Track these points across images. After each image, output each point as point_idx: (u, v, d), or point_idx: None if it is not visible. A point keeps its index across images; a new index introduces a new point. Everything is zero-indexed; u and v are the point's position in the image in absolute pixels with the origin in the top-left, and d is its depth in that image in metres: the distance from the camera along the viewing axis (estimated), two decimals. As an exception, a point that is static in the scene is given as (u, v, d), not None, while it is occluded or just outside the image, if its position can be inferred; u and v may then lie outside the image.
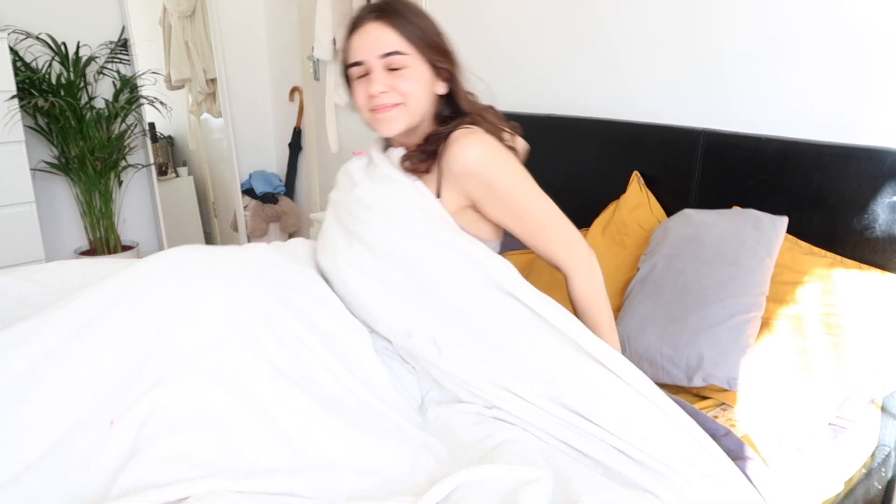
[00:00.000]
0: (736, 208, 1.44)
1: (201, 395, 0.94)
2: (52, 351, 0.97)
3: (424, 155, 1.20)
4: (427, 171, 1.21)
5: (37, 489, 0.84)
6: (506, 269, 1.13)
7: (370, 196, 1.21)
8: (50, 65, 2.88)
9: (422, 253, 1.14)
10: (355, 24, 1.19)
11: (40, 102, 2.70)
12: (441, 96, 1.23)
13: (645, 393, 0.99)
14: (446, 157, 1.16)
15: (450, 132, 1.18)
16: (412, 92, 1.17)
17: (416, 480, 0.92)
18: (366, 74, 1.17)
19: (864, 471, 1.25)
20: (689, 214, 1.47)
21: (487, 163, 1.14)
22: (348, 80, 1.23)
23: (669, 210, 1.67)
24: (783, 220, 1.32)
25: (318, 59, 3.14)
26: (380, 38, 1.15)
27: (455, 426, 1.05)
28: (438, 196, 1.19)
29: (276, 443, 0.92)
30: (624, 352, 1.32)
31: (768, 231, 1.31)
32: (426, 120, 1.22)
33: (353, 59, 1.18)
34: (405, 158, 1.22)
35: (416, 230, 1.16)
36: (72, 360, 0.97)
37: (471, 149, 1.14)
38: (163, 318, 1.01)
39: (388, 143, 1.31)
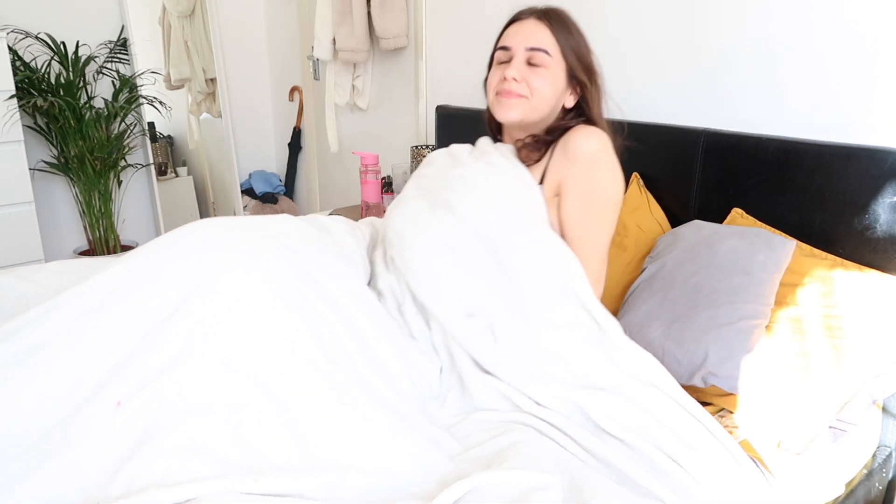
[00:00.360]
0: (746, 226, 1.44)
1: (215, 380, 0.91)
2: (65, 329, 0.95)
3: (541, 144, 1.25)
4: (538, 160, 1.25)
5: (34, 468, 0.82)
6: (587, 284, 1.15)
7: (474, 174, 1.25)
8: (49, 64, 2.88)
9: (512, 238, 1.16)
10: (517, 17, 1.29)
11: (39, 102, 2.70)
12: (567, 109, 1.29)
13: (705, 423, 1.03)
14: (565, 139, 1.22)
15: (572, 125, 1.25)
16: (540, 90, 1.23)
17: (427, 481, 0.90)
18: (508, 61, 1.25)
19: (864, 471, 1.24)
20: (700, 224, 1.47)
21: (599, 160, 1.20)
22: (492, 62, 1.32)
23: (670, 211, 1.67)
24: (792, 243, 1.33)
25: (317, 59, 3.14)
26: (531, 33, 1.24)
27: (469, 427, 1.05)
28: (541, 183, 1.24)
29: (286, 434, 0.89)
30: None
31: (779, 249, 1.32)
32: (543, 125, 1.28)
33: (502, 44, 1.27)
34: (521, 146, 1.27)
35: (514, 215, 1.19)
36: (83, 337, 0.95)
37: (593, 139, 1.20)
38: (180, 295, 0.98)
39: (497, 140, 1.37)
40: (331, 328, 1.04)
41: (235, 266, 1.04)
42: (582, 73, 1.26)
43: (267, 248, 1.10)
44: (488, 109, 1.33)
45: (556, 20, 1.24)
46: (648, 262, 1.49)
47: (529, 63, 1.23)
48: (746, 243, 1.34)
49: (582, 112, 1.29)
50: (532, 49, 1.22)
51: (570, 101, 1.28)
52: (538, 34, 1.23)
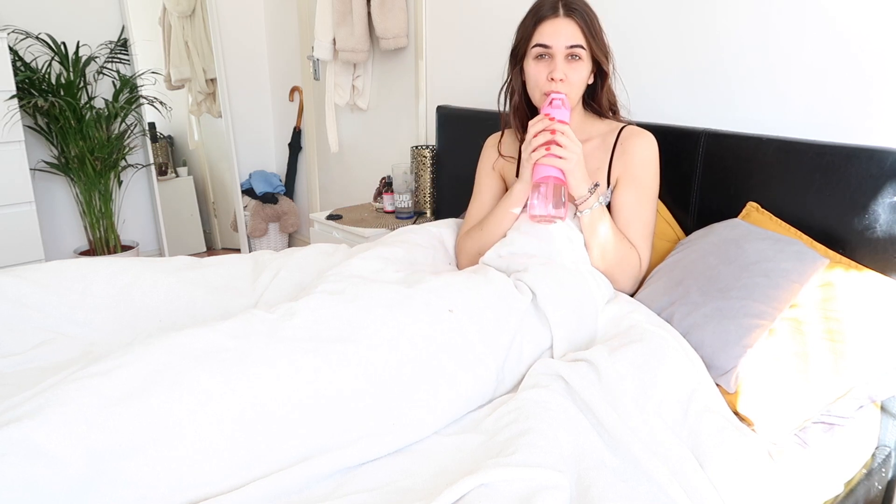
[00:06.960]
0: (786, 235, 1.42)
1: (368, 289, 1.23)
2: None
3: (605, 147, 1.51)
4: (598, 166, 1.50)
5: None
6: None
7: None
8: (50, 64, 2.88)
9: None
10: (546, 15, 1.43)
11: (40, 102, 2.70)
12: (588, 85, 1.52)
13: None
14: (623, 143, 1.48)
15: (623, 125, 1.52)
16: (578, 81, 1.46)
17: (437, 484, 0.91)
18: (548, 57, 1.44)
19: (864, 471, 1.24)
20: (737, 223, 1.46)
21: (652, 160, 1.48)
22: (522, 54, 1.49)
23: (670, 210, 1.67)
24: (824, 261, 1.31)
25: (317, 59, 3.14)
26: (567, 30, 1.42)
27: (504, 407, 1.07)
28: (608, 183, 1.50)
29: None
30: None
31: (808, 262, 1.29)
32: (577, 101, 1.51)
33: (541, 42, 1.43)
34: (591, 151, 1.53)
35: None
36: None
37: (647, 142, 1.48)
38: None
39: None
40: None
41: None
42: (601, 55, 1.46)
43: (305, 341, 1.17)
44: (522, 102, 1.54)
45: (579, 13, 1.43)
46: (678, 248, 1.48)
47: (567, 57, 1.43)
48: (776, 249, 1.32)
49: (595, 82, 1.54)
50: (571, 47, 1.42)
51: (590, 79, 1.50)
52: (571, 31, 1.42)
